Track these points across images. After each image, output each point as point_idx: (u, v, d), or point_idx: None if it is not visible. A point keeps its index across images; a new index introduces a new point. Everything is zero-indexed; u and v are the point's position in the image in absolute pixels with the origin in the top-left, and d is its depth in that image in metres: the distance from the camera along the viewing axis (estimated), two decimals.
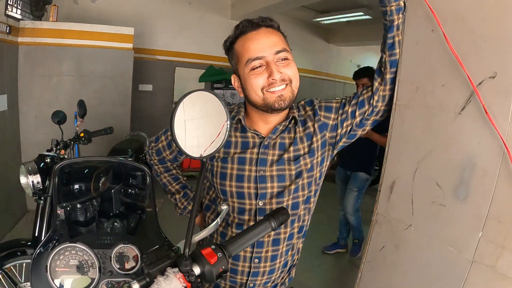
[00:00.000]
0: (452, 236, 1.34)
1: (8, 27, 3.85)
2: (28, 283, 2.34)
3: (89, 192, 2.37)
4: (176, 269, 0.85)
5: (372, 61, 10.36)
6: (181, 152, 1.53)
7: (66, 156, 2.44)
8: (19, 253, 2.33)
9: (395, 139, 1.56)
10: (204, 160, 0.83)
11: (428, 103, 1.42)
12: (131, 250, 1.09)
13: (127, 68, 4.95)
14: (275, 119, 1.41)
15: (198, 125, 0.82)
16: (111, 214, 2.66)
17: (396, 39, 1.37)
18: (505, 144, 1.18)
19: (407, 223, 1.49)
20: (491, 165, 1.23)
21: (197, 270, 0.86)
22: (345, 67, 10.02)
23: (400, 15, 1.36)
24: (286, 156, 1.40)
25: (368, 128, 1.47)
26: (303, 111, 1.46)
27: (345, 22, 8.02)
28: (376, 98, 1.41)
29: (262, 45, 1.29)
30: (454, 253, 1.32)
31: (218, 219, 1.02)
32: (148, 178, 1.30)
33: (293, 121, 1.43)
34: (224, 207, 1.06)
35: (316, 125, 1.42)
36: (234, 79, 1.42)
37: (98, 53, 4.72)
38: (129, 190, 2.70)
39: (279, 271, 1.50)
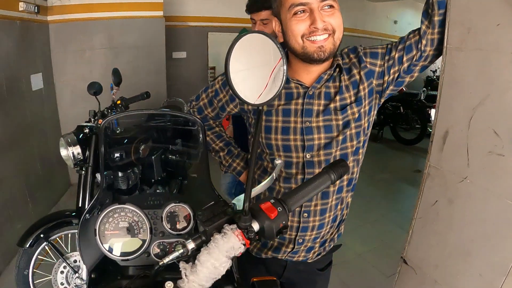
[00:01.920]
0: (511, 189, 1.25)
1: (36, 7, 3.84)
2: (74, 253, 2.41)
3: (130, 159, 2.40)
4: (234, 226, 0.82)
5: (409, 17, 10.06)
6: (223, 108, 1.53)
7: None
8: (64, 224, 2.38)
9: (447, 85, 1.43)
10: (261, 108, 0.77)
11: (481, 45, 1.29)
12: (183, 209, 1.07)
13: (159, 36, 4.92)
14: (318, 68, 1.35)
15: (253, 71, 0.76)
16: (153, 181, 2.69)
17: None
18: None
19: (462, 176, 1.39)
20: None
21: (256, 226, 0.82)
22: (381, 24, 9.70)
23: None
24: (332, 105, 1.35)
25: (416, 74, 1.39)
26: (347, 58, 1.40)
27: None
28: (424, 42, 1.31)
29: None
30: None
31: (274, 173, 0.97)
32: (201, 132, 1.26)
33: (337, 69, 1.38)
34: (279, 161, 1.02)
35: (362, 73, 1.36)
36: (275, 23, 1.36)
37: (128, 23, 4.70)
38: (170, 156, 2.73)
39: (329, 226, 1.49)
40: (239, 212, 0.85)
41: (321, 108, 1.35)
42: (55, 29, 4.39)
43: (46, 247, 2.39)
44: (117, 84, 2.70)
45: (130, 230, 1.03)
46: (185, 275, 0.80)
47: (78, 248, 1.10)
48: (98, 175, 2.24)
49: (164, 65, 5.03)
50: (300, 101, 1.36)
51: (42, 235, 2.31)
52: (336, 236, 1.57)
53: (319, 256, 1.56)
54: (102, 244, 1.01)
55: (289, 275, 1.56)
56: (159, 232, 1.05)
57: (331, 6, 1.23)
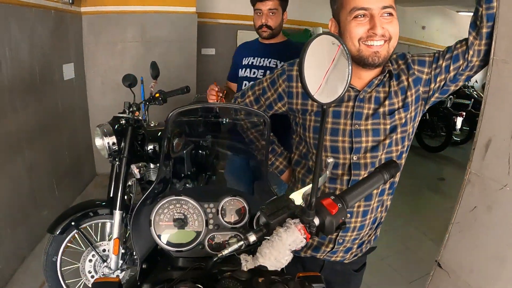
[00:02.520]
0: None
1: None
2: (104, 242, 2.43)
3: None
4: (297, 220, 0.83)
5: (437, 23, 9.97)
6: (271, 106, 1.54)
7: (140, 117, 2.46)
8: (94, 214, 2.40)
9: (492, 96, 1.46)
10: (326, 107, 0.77)
11: None
12: (238, 203, 1.07)
13: (191, 32, 4.94)
14: (369, 73, 1.37)
15: (321, 71, 0.77)
16: (182, 175, 2.71)
17: None
18: None
19: (502, 183, 1.40)
20: None
21: (317, 221, 0.84)
22: (409, 29, 9.60)
23: None
24: (381, 110, 1.37)
25: (461, 83, 1.42)
26: (396, 65, 1.42)
27: None
28: (471, 52, 1.33)
29: None
30: None
31: (327, 171, 0.98)
32: (266, 128, 1.26)
33: (387, 75, 1.39)
34: (330, 160, 1.02)
35: (410, 79, 1.38)
36: (331, 23, 1.38)
37: (162, 18, 4.72)
38: (200, 151, 2.75)
39: (368, 228, 1.51)
40: (301, 206, 0.87)
41: (370, 112, 1.38)
42: (88, 21, 4.45)
43: (76, 235, 2.41)
44: (155, 77, 2.73)
45: (185, 222, 1.02)
46: (246, 268, 0.81)
47: (131, 238, 1.10)
48: (132, 166, 2.25)
49: (195, 61, 5.04)
50: (350, 103, 1.38)
51: (73, 223, 2.33)
52: (373, 238, 1.59)
53: (356, 257, 1.58)
54: (157, 235, 1.00)
55: (325, 274, 1.56)
56: (214, 224, 1.05)
57: (390, 14, 1.25)
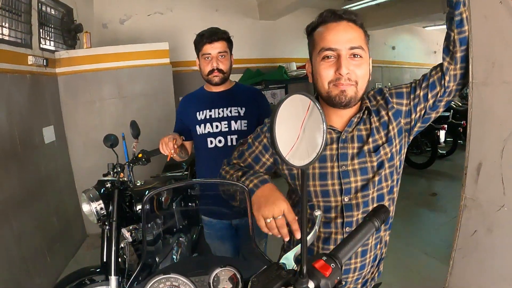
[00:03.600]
0: None
1: (44, 60, 3.94)
2: None
3: (153, 212, 2.38)
4: None
5: (406, 42, 10.26)
6: (258, 159, 1.52)
7: (125, 179, 2.43)
8: (87, 281, 2.34)
9: (476, 119, 1.47)
10: (305, 168, 0.76)
11: (507, 78, 1.32)
12: (228, 272, 1.05)
13: (167, 83, 4.98)
14: (347, 112, 1.39)
15: (295, 132, 0.76)
16: (175, 229, 2.67)
17: (464, 15, 1.30)
18: None
19: (499, 204, 1.40)
20: None
21: (311, 285, 0.81)
22: (380, 51, 9.88)
23: None
24: (366, 148, 1.38)
25: (441, 110, 1.42)
26: (374, 101, 1.43)
27: (374, 5, 7.86)
28: (447, 78, 1.34)
29: (339, 37, 1.27)
30: None
31: (316, 226, 0.97)
32: (246, 195, 1.25)
33: (366, 112, 1.40)
34: (318, 213, 1.02)
35: (390, 113, 1.38)
36: (307, 65, 1.42)
37: (136, 72, 4.77)
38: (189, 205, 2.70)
39: (369, 266, 1.49)
40: (291, 272, 0.85)
41: (355, 151, 1.38)
42: (64, 81, 4.47)
43: None
44: (136, 136, 2.68)
45: None
46: None
47: None
48: (123, 230, 2.22)
49: (174, 112, 4.97)
50: (334, 146, 1.38)
51: None
52: (376, 274, 1.57)
53: None
54: None
55: None
56: None
57: (359, 56, 1.27)
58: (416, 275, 3.65)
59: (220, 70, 2.33)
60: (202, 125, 2.39)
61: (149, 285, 1.00)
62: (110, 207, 2.27)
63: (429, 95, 1.36)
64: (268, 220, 1.11)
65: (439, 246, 4.07)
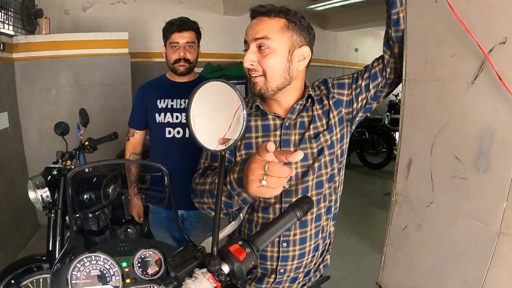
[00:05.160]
0: (476, 209, 1.30)
1: (1, 44, 3.83)
2: None
3: (99, 201, 2.37)
4: (205, 270, 0.83)
5: (369, 44, 10.46)
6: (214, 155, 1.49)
7: (73, 167, 2.41)
8: (35, 269, 2.31)
9: (408, 116, 1.53)
10: (223, 153, 0.79)
11: (438, 76, 1.38)
12: (153, 255, 1.07)
13: (125, 73, 4.92)
14: (288, 99, 1.42)
15: (213, 118, 0.78)
16: (123, 220, 2.65)
17: (401, 14, 1.38)
18: None
19: (428, 201, 1.46)
20: (510, 133, 1.20)
21: (226, 268, 0.84)
22: (343, 52, 10.03)
23: None
24: (306, 134, 1.41)
25: (382, 100, 1.49)
26: (318, 90, 1.49)
27: (339, 6, 7.94)
28: (388, 70, 1.43)
29: (248, 31, 1.33)
30: (479, 226, 1.28)
31: (241, 215, 1.00)
32: (166, 178, 1.27)
33: (309, 100, 1.45)
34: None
35: (330, 102, 1.44)
36: None
37: (94, 61, 4.69)
38: (140, 194, 2.68)
39: (310, 255, 1.48)
40: (209, 255, 0.86)
41: (297, 137, 1.41)
42: (21, 67, 4.36)
43: None
44: (85, 125, 2.66)
45: (102, 278, 1.02)
46: None
47: None
48: (68, 218, 2.20)
49: (130, 103, 4.90)
50: (278, 132, 1.40)
51: (12, 281, 2.23)
52: (322, 266, 1.57)
53: (305, 287, 1.55)
54: None
55: None
56: (131, 278, 1.04)
57: (266, 47, 1.30)
58: (364, 272, 3.73)
59: (186, 60, 2.34)
60: (162, 114, 2.37)
61: (75, 263, 1.01)
62: (56, 195, 2.25)
63: (371, 86, 1.43)
64: (264, 182, 0.93)
65: None
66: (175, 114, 2.37)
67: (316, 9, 8.25)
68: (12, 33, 4.29)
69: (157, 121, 2.38)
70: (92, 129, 2.98)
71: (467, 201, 1.33)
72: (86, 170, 2.47)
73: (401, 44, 1.41)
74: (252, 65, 1.31)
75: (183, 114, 2.36)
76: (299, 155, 0.88)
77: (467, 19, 1.25)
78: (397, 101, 9.40)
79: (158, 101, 2.39)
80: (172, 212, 2.41)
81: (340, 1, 7.48)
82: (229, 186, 1.12)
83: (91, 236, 2.00)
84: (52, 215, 2.26)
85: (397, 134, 6.99)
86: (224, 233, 0.95)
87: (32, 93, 4.47)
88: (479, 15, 1.23)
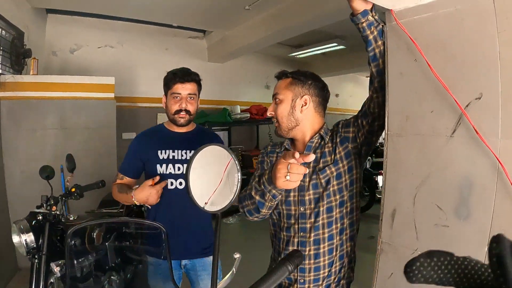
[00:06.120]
0: (459, 255, 1.33)
1: None
2: None
3: (84, 248, 2.33)
4: None
5: (349, 89, 10.69)
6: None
7: (58, 212, 2.38)
8: None
9: (391, 168, 1.62)
10: (219, 214, 0.82)
11: (419, 130, 1.48)
12: None
13: (110, 118, 4.92)
14: (302, 137, 1.76)
15: (211, 181, 0.82)
16: (107, 267, 2.60)
17: (377, 50, 1.58)
18: (499, 161, 1.23)
19: (413, 248, 1.51)
20: (488, 182, 1.28)
21: None
22: None
23: (373, 29, 1.54)
24: (317, 167, 1.69)
25: (380, 132, 1.68)
26: (332, 131, 1.78)
27: (320, 54, 8.18)
28: (372, 105, 1.63)
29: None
30: None
31: (234, 268, 1.02)
32: (163, 235, 1.29)
33: (322, 140, 1.74)
34: (237, 255, 1.07)
35: (338, 140, 1.70)
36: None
37: (80, 104, 4.71)
38: (123, 243, 2.63)
39: (326, 270, 1.71)
40: None
41: (310, 170, 1.69)
42: (6, 106, 4.35)
43: None
44: (71, 170, 2.63)
45: None
46: None
47: None
48: (52, 264, 2.16)
49: (115, 147, 4.98)
50: None
51: None
52: (344, 282, 1.81)
53: None
54: None
55: None
56: None
57: (280, 100, 1.74)
58: None
59: (187, 111, 2.33)
60: (164, 165, 2.34)
61: None
62: (40, 240, 2.21)
63: (364, 122, 1.65)
64: (288, 177, 1.25)
65: None
66: (176, 166, 2.34)
67: (297, 56, 8.51)
68: (0, 71, 4.30)
69: (159, 172, 2.33)
70: (76, 173, 2.96)
71: (450, 247, 1.33)
72: (71, 216, 2.45)
73: (379, 78, 1.60)
74: (272, 114, 1.74)
75: (185, 165, 2.31)
76: (311, 157, 1.16)
77: (445, 77, 1.34)
78: (378, 145, 9.55)
79: (159, 151, 2.35)
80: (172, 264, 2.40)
81: (321, 49, 7.69)
82: (262, 186, 1.45)
83: (74, 282, 1.96)
84: (36, 260, 2.22)
85: (379, 178, 7.13)
86: (220, 285, 0.96)
87: (17, 133, 4.43)
88: (456, 73, 1.33)
